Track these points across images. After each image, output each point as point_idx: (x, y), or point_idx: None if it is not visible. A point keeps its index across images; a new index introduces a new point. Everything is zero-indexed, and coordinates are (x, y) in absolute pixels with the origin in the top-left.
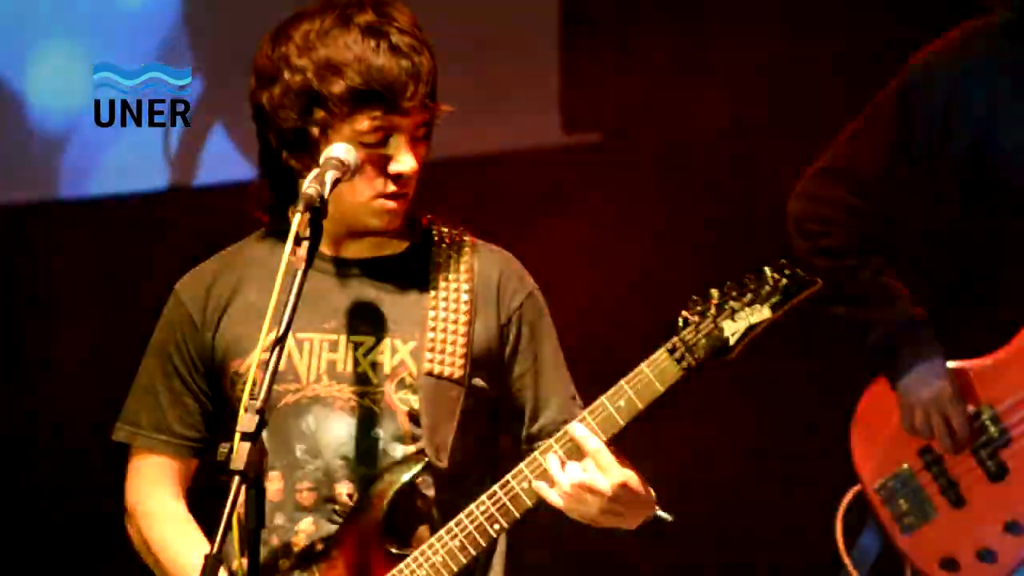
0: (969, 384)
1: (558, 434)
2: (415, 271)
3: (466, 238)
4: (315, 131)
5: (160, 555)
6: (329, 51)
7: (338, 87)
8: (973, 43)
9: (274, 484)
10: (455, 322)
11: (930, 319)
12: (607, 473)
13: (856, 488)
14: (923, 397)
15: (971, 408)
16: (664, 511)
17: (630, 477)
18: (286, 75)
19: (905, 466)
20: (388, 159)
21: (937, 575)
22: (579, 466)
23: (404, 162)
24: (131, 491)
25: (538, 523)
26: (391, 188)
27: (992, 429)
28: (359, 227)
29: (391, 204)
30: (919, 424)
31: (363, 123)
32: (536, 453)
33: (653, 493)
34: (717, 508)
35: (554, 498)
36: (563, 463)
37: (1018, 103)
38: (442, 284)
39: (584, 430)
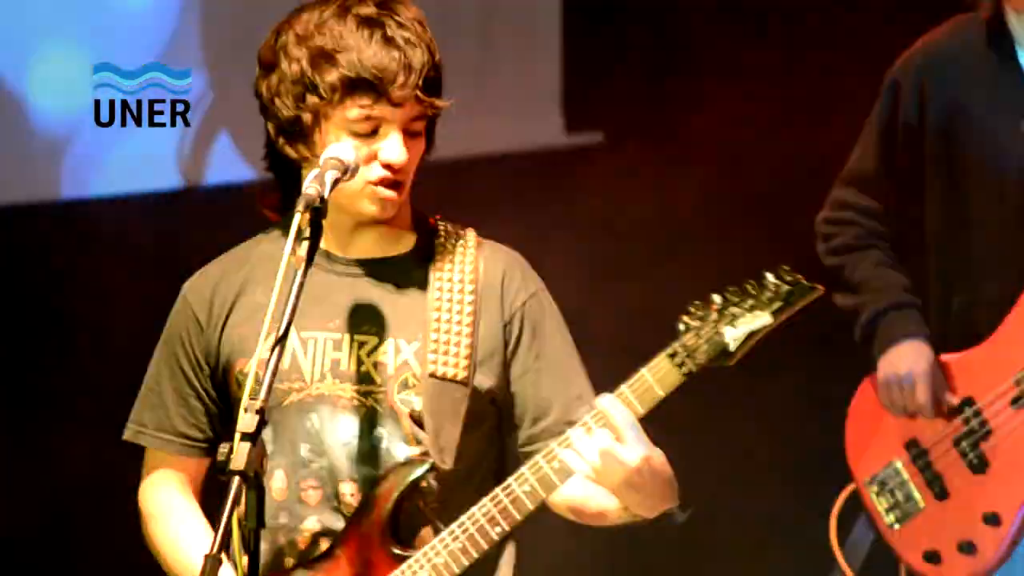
0: (950, 377)
1: (592, 412)
2: (420, 271)
3: (472, 238)
4: (308, 119)
5: (165, 553)
6: (324, 40)
7: (330, 75)
8: (955, 31)
9: (278, 483)
10: (459, 323)
11: (920, 304)
12: (634, 444)
13: (852, 486)
14: (900, 372)
15: (953, 400)
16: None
17: (656, 455)
18: (283, 64)
19: (895, 461)
20: (380, 149)
21: (921, 568)
22: (608, 434)
23: (393, 153)
24: (141, 492)
25: (546, 526)
26: (383, 174)
27: (973, 422)
28: (356, 216)
29: (384, 192)
30: (884, 398)
31: (353, 111)
32: (538, 456)
33: (676, 485)
34: (714, 508)
35: (579, 465)
36: (590, 432)
37: (993, 92)
38: (447, 284)
39: (613, 401)
